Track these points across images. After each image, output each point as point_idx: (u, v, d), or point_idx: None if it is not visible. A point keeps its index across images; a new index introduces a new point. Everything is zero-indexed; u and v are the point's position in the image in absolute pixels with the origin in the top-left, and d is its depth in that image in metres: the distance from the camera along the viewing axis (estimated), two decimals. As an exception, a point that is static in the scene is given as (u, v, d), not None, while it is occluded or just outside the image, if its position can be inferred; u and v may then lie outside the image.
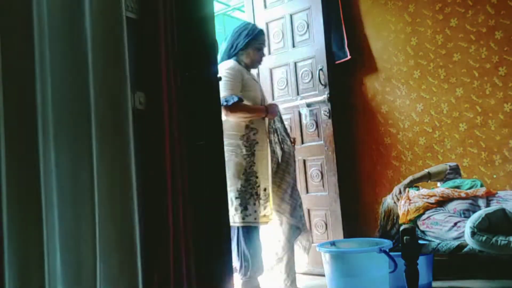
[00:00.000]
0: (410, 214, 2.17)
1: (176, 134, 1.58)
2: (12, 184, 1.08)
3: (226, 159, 2.46)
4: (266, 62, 3.38)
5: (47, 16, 1.21)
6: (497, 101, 2.66)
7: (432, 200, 2.17)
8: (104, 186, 1.29)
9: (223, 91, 2.43)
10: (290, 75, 3.27)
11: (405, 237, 2.04)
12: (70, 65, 1.26)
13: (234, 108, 2.45)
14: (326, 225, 3.08)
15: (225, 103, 2.43)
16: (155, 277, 1.46)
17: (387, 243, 2.19)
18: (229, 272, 1.69)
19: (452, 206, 2.12)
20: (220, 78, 1.76)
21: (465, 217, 2.02)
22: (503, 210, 1.89)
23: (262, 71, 3.41)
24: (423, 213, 2.14)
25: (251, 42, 2.63)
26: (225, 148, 2.47)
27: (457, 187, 2.27)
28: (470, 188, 2.23)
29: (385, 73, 3.07)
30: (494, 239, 1.81)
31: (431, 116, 2.89)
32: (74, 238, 1.22)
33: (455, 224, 2.01)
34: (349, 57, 3.09)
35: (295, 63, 3.25)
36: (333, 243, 2.44)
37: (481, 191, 2.15)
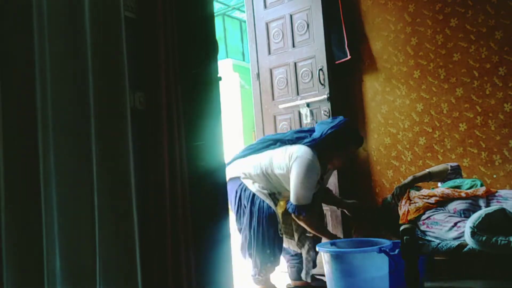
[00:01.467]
0: (410, 214, 2.17)
1: (175, 134, 1.58)
2: (12, 184, 1.08)
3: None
4: (266, 62, 3.39)
5: (47, 15, 1.20)
6: (497, 101, 2.66)
7: (432, 200, 2.16)
8: (103, 186, 1.29)
9: (302, 189, 2.41)
10: (290, 75, 3.27)
11: (405, 237, 2.04)
12: (70, 65, 1.26)
13: (301, 218, 2.49)
14: (326, 225, 3.08)
15: (296, 212, 2.45)
16: (154, 277, 1.46)
17: (387, 243, 2.19)
18: (229, 271, 1.68)
19: (452, 206, 2.12)
20: (220, 78, 1.74)
21: (465, 217, 2.02)
22: (503, 210, 1.88)
23: (262, 71, 3.41)
24: (423, 213, 2.14)
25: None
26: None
27: (457, 187, 2.27)
28: (470, 188, 2.22)
29: (385, 73, 3.07)
30: (494, 239, 1.81)
31: (431, 116, 2.89)
32: (73, 238, 1.22)
33: (455, 224, 2.01)
34: (349, 57, 3.09)
35: (295, 63, 3.24)
36: (333, 243, 2.44)
37: (481, 190, 2.15)
